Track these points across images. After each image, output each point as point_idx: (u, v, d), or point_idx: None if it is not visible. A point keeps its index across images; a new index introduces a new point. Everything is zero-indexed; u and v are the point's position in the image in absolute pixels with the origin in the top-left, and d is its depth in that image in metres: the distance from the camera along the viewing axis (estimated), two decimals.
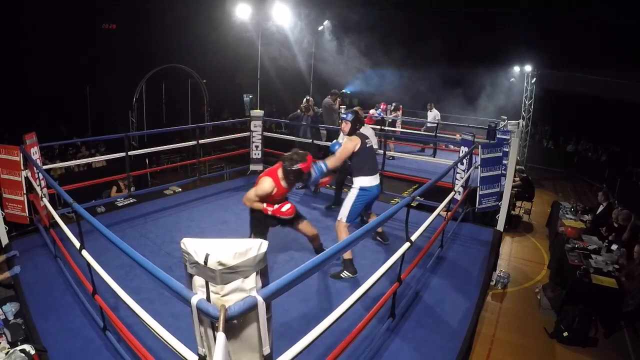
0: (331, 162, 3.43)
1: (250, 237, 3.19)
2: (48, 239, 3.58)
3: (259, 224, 3.21)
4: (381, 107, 9.60)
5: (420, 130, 10.23)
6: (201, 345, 1.37)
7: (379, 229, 4.05)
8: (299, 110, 6.75)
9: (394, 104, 10.42)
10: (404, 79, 12.62)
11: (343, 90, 7.82)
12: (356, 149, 3.54)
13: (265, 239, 2.98)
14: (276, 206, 3.06)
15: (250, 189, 3.12)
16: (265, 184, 3.04)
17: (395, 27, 12.57)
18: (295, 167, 3.03)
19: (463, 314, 2.97)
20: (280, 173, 3.10)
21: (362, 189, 3.51)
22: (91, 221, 2.12)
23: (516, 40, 12.40)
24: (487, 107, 12.92)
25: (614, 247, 5.28)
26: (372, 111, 9.47)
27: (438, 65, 12.52)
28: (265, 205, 3.07)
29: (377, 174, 3.64)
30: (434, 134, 9.37)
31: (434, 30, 12.75)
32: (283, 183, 3.11)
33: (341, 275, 3.40)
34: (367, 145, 3.61)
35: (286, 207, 3.05)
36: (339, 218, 3.53)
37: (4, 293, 3.13)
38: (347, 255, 3.39)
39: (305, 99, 6.68)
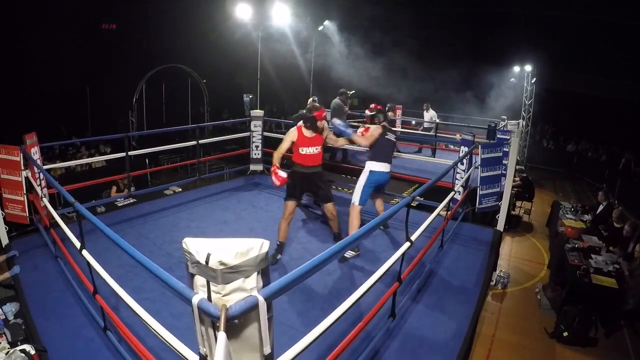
0: (356, 137, 3.87)
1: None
2: (48, 239, 3.58)
3: (289, 187, 3.69)
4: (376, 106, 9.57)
5: (418, 130, 10.20)
6: (202, 344, 1.37)
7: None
8: (305, 111, 6.72)
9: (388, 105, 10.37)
10: (404, 80, 12.60)
11: (352, 92, 7.77)
12: (378, 137, 3.89)
13: (296, 200, 3.68)
14: (279, 172, 3.54)
15: None
16: (290, 132, 3.69)
17: (396, 28, 12.57)
18: (310, 114, 3.63)
19: (463, 314, 2.97)
20: (302, 124, 3.69)
21: (371, 172, 3.86)
22: (93, 221, 2.12)
23: (516, 40, 12.42)
24: (487, 107, 12.91)
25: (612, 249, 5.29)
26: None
27: (439, 66, 12.50)
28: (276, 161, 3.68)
29: (388, 165, 3.93)
30: (432, 134, 9.35)
31: (434, 31, 12.75)
32: (305, 132, 3.67)
33: (345, 255, 3.69)
34: (386, 137, 3.92)
35: (280, 173, 3.52)
36: (352, 202, 3.84)
37: (4, 293, 3.12)
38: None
39: (311, 99, 6.65)
